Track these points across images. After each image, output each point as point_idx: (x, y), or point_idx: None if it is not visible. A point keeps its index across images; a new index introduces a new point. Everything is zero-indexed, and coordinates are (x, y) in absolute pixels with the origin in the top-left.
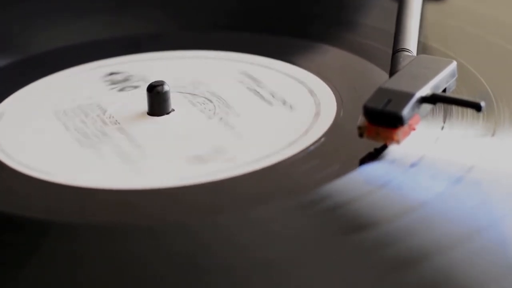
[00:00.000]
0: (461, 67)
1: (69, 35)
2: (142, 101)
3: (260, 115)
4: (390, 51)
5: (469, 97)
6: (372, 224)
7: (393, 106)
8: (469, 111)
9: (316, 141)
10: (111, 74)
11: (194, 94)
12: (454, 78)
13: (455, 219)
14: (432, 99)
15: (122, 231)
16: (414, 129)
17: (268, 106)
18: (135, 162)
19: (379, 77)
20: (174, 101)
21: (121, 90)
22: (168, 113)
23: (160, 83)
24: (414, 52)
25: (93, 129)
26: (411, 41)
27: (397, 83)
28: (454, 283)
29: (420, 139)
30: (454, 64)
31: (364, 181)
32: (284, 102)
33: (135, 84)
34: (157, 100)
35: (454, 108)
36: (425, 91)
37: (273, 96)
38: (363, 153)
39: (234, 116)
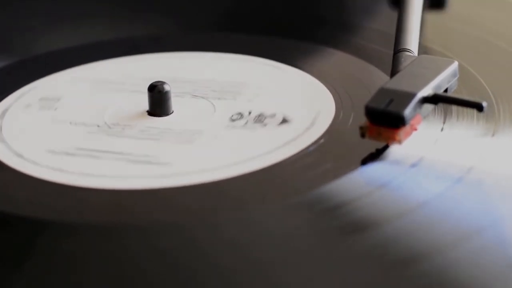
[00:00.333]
0: (461, 68)
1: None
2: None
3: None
4: (391, 53)
5: (470, 97)
6: (372, 225)
7: (394, 106)
8: (469, 112)
9: (316, 141)
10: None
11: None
12: (456, 78)
13: (455, 220)
14: (433, 99)
15: (120, 231)
16: (415, 129)
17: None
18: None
19: (380, 79)
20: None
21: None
22: (168, 114)
23: (161, 83)
24: (415, 52)
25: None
26: (412, 41)
27: (398, 83)
28: (454, 284)
29: (420, 139)
30: (455, 64)
31: (364, 182)
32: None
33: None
34: (158, 100)
35: (454, 109)
36: (426, 91)
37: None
38: (363, 154)
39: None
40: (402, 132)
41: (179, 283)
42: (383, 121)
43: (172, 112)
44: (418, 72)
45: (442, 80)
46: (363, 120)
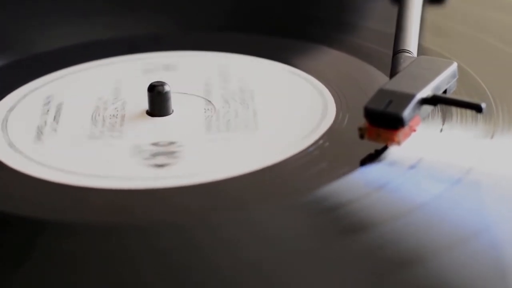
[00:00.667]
0: (460, 70)
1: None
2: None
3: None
4: (390, 53)
5: (469, 98)
6: (370, 226)
7: (393, 107)
8: (468, 113)
9: (315, 143)
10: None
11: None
12: (455, 79)
13: (454, 221)
14: (432, 100)
15: (120, 231)
16: (414, 130)
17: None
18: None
19: (379, 79)
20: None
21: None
22: (168, 114)
23: (161, 83)
24: (415, 53)
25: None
26: (411, 42)
27: (397, 84)
28: (452, 285)
29: (419, 141)
30: (454, 65)
31: (362, 183)
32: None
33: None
34: (158, 100)
35: (453, 110)
36: (425, 92)
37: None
38: (362, 155)
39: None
40: (401, 133)
41: (179, 283)
42: (382, 122)
43: (172, 112)
44: (417, 73)
45: (441, 81)
46: (362, 121)
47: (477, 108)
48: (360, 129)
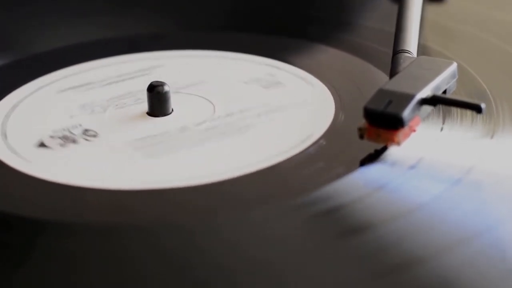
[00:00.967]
0: (460, 69)
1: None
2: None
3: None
4: (390, 53)
5: (468, 98)
6: (371, 226)
7: (393, 107)
8: (468, 113)
9: (315, 143)
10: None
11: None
12: (455, 80)
13: (454, 221)
14: (432, 100)
15: (120, 231)
16: (414, 130)
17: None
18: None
19: (379, 78)
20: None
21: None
22: (168, 114)
23: (160, 84)
24: (415, 54)
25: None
26: (411, 43)
27: (397, 84)
28: (453, 285)
29: (419, 141)
30: (454, 66)
31: (363, 183)
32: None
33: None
34: (158, 101)
35: (453, 110)
36: (425, 92)
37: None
38: (361, 155)
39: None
40: (400, 133)
41: (179, 283)
42: (381, 122)
43: (172, 112)
44: (417, 74)
45: (441, 81)
46: (362, 121)
47: (477, 109)
48: (360, 129)
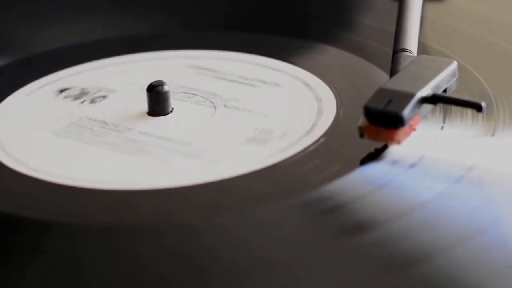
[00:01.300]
0: (461, 67)
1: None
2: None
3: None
4: (390, 51)
5: (469, 97)
6: (372, 225)
7: (393, 106)
8: (469, 111)
9: (315, 141)
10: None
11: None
12: (455, 78)
13: (455, 219)
14: (432, 99)
15: (122, 231)
16: (414, 129)
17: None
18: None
19: (379, 77)
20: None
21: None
22: (168, 113)
23: (160, 83)
24: (415, 52)
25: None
26: (411, 42)
27: (397, 83)
28: (455, 283)
29: (420, 139)
30: (454, 64)
31: (364, 181)
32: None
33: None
34: (157, 100)
35: (454, 108)
36: (425, 91)
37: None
38: (362, 154)
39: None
40: (401, 132)
41: (179, 283)
42: (382, 121)
43: (172, 112)
44: (417, 72)
45: (441, 80)
46: (363, 120)
47: (477, 107)
48: (360, 128)
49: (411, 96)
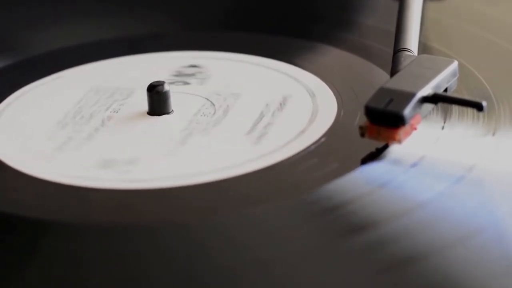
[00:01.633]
0: (461, 67)
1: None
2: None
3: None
4: (391, 51)
5: (470, 96)
6: (372, 224)
7: (394, 105)
8: (470, 111)
9: (316, 141)
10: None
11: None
12: (456, 78)
13: (456, 219)
14: (433, 98)
15: (120, 231)
16: (415, 129)
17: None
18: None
19: (380, 77)
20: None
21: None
22: (168, 113)
23: (160, 83)
24: (415, 52)
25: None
26: (412, 41)
27: (398, 83)
28: (455, 283)
29: (420, 139)
30: (455, 64)
31: (364, 181)
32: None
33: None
34: (157, 100)
35: (454, 108)
36: (426, 90)
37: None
38: (363, 153)
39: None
40: (401, 131)
41: (179, 282)
42: (382, 120)
43: (172, 112)
44: (417, 72)
45: (442, 79)
46: (363, 119)
47: (478, 107)
48: (361, 128)
49: (412, 95)
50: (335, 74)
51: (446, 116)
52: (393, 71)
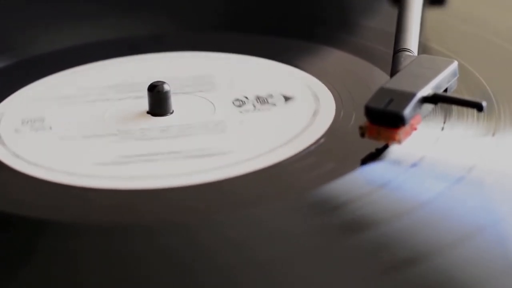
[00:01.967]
0: (461, 67)
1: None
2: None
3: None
4: (391, 52)
5: (470, 97)
6: (372, 224)
7: (394, 106)
8: (470, 111)
9: (316, 141)
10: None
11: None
12: (455, 78)
13: (456, 219)
14: (433, 99)
15: (121, 231)
16: (415, 129)
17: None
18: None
19: (380, 78)
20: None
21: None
22: (168, 113)
23: (161, 83)
24: (415, 52)
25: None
26: (412, 41)
27: (398, 83)
28: (455, 283)
29: (420, 139)
30: (455, 64)
31: (364, 181)
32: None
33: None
34: (158, 100)
35: (454, 108)
36: (426, 91)
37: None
38: (363, 153)
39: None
40: (401, 132)
41: (179, 282)
42: (382, 121)
43: (172, 112)
44: (417, 72)
45: (442, 80)
46: (363, 119)
47: (478, 107)
48: (361, 128)
49: (412, 95)
50: (335, 75)
51: (446, 116)
52: (393, 71)
